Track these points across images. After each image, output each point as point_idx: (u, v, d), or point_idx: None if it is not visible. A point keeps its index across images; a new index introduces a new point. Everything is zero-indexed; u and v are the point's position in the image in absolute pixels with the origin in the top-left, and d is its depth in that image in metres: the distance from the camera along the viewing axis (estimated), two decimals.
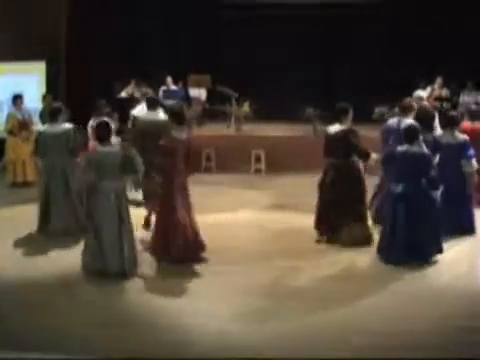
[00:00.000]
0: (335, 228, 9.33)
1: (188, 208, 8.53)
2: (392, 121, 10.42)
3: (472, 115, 11.38)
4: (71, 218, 9.84)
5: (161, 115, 10.45)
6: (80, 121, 11.44)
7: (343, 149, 9.27)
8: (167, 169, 8.39)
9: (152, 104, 10.79)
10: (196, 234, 8.55)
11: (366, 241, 9.17)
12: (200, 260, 8.49)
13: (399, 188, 8.41)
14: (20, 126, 13.94)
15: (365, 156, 9.30)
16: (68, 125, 10.24)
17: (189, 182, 8.74)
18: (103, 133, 8.13)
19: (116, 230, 7.92)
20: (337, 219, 9.29)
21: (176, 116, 8.58)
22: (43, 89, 16.55)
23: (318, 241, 9.49)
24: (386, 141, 10.06)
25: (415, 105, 10.33)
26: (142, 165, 8.27)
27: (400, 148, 8.55)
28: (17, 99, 14.01)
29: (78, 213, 9.82)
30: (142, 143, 9.57)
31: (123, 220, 8.00)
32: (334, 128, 9.48)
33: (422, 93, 12.46)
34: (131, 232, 8.18)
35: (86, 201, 8.54)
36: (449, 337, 6.19)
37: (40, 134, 10.12)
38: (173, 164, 8.34)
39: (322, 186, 9.54)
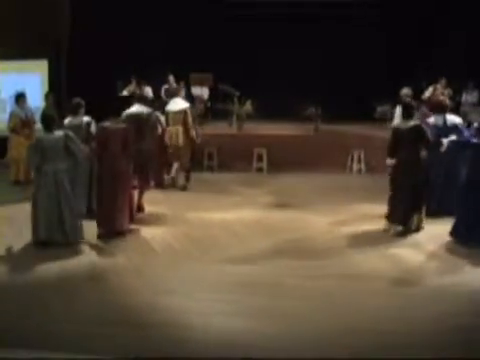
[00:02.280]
0: (406, 218, 9.80)
1: (124, 187, 9.67)
2: (436, 119, 11.10)
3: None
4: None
5: (142, 109, 11.57)
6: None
7: (415, 143, 9.82)
8: (100, 154, 9.70)
9: (139, 100, 12.04)
10: (130, 208, 9.97)
11: (419, 230, 9.88)
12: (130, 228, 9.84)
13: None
14: (23, 124, 13.98)
15: (436, 146, 10.06)
16: (86, 118, 10.93)
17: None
18: (49, 123, 9.35)
19: (55, 205, 9.06)
20: (410, 210, 9.81)
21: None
22: (45, 88, 16.56)
23: (386, 230, 9.93)
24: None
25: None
26: (82, 150, 9.47)
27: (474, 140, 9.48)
28: (20, 98, 14.04)
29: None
30: None
31: (64, 196, 9.09)
32: (405, 124, 9.99)
33: (408, 91, 13.80)
34: (71, 206, 9.15)
35: (34, 179, 9.55)
36: (451, 336, 6.18)
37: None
38: (106, 150, 9.61)
39: (395, 179, 10.03)
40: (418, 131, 9.81)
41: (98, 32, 17.43)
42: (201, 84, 18.71)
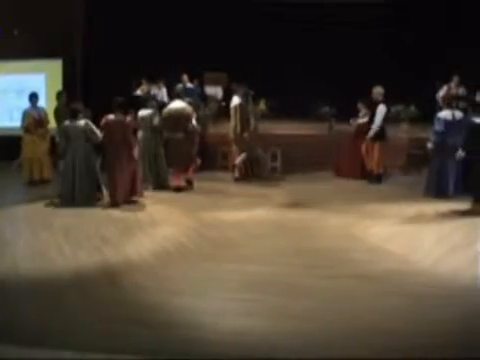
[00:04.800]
0: None
1: (126, 167, 11.49)
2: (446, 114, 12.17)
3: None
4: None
5: (181, 104, 13.33)
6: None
7: None
8: (107, 141, 11.48)
9: (178, 96, 13.77)
10: (132, 184, 11.65)
11: None
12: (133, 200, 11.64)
13: None
14: (36, 124, 14.01)
15: None
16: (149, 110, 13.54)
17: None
18: (75, 113, 11.62)
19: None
20: None
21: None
22: (50, 88, 16.59)
23: None
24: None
25: None
26: (97, 135, 11.48)
27: None
28: (33, 97, 14.09)
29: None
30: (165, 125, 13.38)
31: (84, 168, 11.50)
32: None
33: (381, 89, 14.18)
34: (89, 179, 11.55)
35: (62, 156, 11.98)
36: (464, 337, 6.15)
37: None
38: (111, 138, 11.45)
39: None
40: None
41: (112, 32, 17.50)
42: (215, 84, 18.72)
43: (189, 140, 13.27)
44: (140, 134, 13.49)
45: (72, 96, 15.44)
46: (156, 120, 13.41)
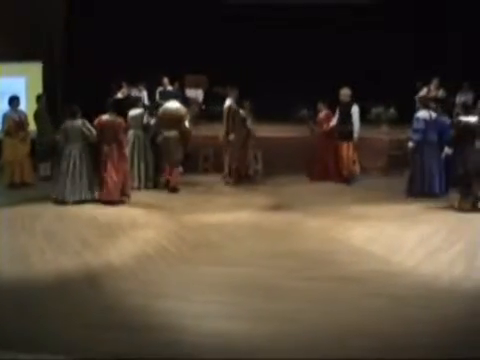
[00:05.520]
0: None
1: (115, 164, 12.12)
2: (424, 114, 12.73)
3: (467, 110, 12.07)
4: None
5: (175, 105, 13.81)
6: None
7: None
8: (99, 140, 12.22)
9: (175, 97, 14.53)
10: (122, 182, 12.17)
11: None
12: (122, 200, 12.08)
13: None
14: (17, 127, 13.94)
15: None
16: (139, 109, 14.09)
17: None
18: (74, 112, 12.30)
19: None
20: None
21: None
22: (30, 91, 16.50)
23: None
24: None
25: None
26: (93, 133, 12.15)
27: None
28: (14, 100, 14.02)
29: None
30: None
31: (81, 165, 12.14)
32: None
33: (347, 91, 14.36)
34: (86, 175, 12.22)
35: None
36: (447, 338, 6.17)
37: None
38: (103, 137, 12.22)
39: None
40: None
41: (92, 35, 17.48)
42: (196, 86, 18.72)
43: (182, 139, 13.63)
44: (130, 133, 13.80)
45: (52, 99, 15.39)
46: (147, 119, 13.95)
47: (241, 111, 14.67)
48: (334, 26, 19.84)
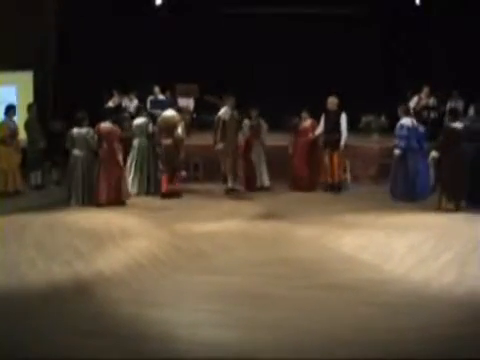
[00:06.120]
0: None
1: (111, 170, 12.75)
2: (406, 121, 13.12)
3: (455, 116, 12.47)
4: None
5: (172, 113, 14.28)
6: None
7: None
8: (99, 146, 12.80)
9: (171, 105, 15.21)
10: (119, 186, 12.80)
11: None
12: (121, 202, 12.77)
13: None
14: (11, 136, 13.96)
15: None
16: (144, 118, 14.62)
17: None
18: (81, 120, 12.85)
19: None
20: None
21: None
22: (22, 100, 16.47)
23: None
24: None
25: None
26: (95, 142, 12.76)
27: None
28: (10, 110, 14.09)
29: None
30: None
31: (88, 170, 12.77)
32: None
33: (334, 99, 14.41)
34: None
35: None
36: (438, 346, 6.18)
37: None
38: (101, 144, 12.83)
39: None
40: None
41: (84, 44, 17.47)
42: (187, 95, 18.75)
43: (176, 147, 13.89)
44: (136, 141, 14.29)
45: (43, 108, 15.38)
46: (151, 127, 14.30)
47: (246, 120, 14.72)
48: (323, 36, 19.90)
